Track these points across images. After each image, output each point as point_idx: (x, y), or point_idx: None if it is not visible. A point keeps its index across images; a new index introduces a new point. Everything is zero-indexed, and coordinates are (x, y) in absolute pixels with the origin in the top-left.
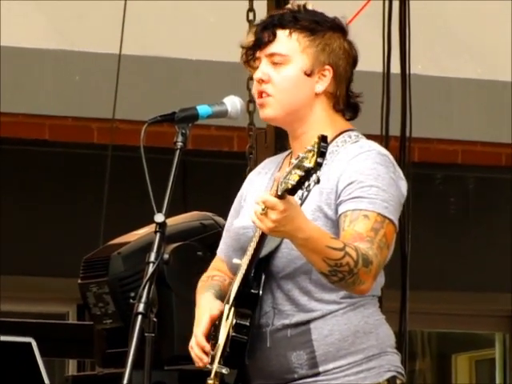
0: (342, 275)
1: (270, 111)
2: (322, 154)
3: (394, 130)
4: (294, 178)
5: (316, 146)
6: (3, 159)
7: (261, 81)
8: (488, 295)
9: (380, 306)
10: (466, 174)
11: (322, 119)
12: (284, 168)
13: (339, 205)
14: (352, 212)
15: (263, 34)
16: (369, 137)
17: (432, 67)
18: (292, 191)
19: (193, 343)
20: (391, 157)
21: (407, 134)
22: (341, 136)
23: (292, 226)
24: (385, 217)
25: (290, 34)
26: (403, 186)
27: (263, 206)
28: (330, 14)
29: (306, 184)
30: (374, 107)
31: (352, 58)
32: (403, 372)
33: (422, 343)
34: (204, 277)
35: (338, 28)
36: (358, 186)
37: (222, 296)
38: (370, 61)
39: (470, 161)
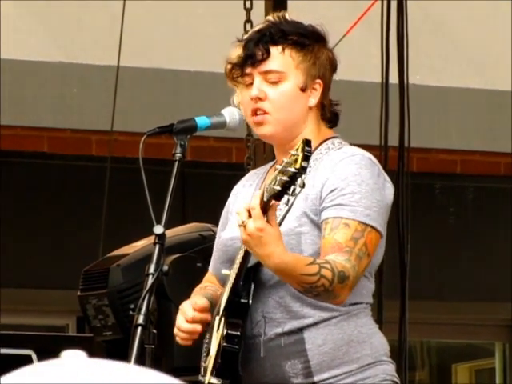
0: (316, 293)
1: (269, 128)
2: (306, 157)
3: (393, 140)
4: (279, 183)
5: (300, 150)
6: (2, 172)
7: (257, 99)
8: (487, 305)
9: (380, 315)
10: (464, 183)
11: (311, 131)
12: (268, 179)
13: (322, 211)
14: (333, 219)
15: (256, 51)
16: (367, 147)
17: (430, 77)
18: (278, 196)
19: (179, 323)
20: (375, 160)
21: (406, 144)
22: (324, 143)
23: (263, 251)
24: (366, 225)
25: (283, 50)
26: (389, 188)
27: (243, 218)
28: (327, 25)
29: (292, 188)
30: (372, 117)
31: (334, 67)
32: (398, 381)
33: (421, 353)
34: (196, 288)
35: (320, 39)
36: (340, 193)
37: (211, 303)
38: (368, 71)
39: (469, 170)
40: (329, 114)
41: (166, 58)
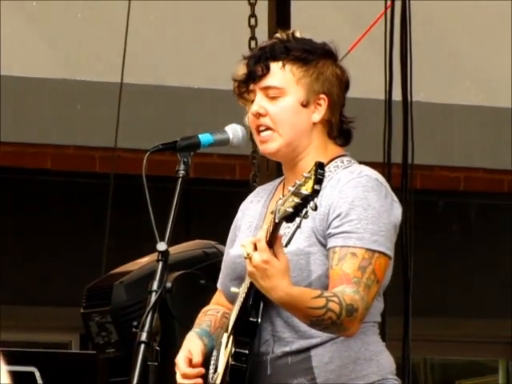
0: (324, 326)
1: (274, 145)
2: (319, 180)
3: (396, 157)
4: (291, 205)
5: (313, 172)
6: (5, 188)
7: (258, 114)
8: (491, 321)
9: (383, 333)
10: (468, 200)
11: (316, 147)
12: (277, 196)
13: (328, 236)
14: (340, 249)
15: (256, 68)
16: (371, 164)
17: (434, 94)
18: (289, 218)
19: (177, 378)
20: (383, 179)
21: (409, 161)
22: (333, 162)
23: (267, 284)
24: (374, 251)
25: (284, 65)
26: (397, 208)
27: (249, 250)
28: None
29: (304, 211)
30: (376, 134)
31: (344, 84)
32: None
33: (424, 370)
34: (201, 312)
35: (329, 55)
36: (346, 220)
37: (207, 332)
38: (372, 88)
39: (472, 187)
40: (336, 132)
41: (170, 75)
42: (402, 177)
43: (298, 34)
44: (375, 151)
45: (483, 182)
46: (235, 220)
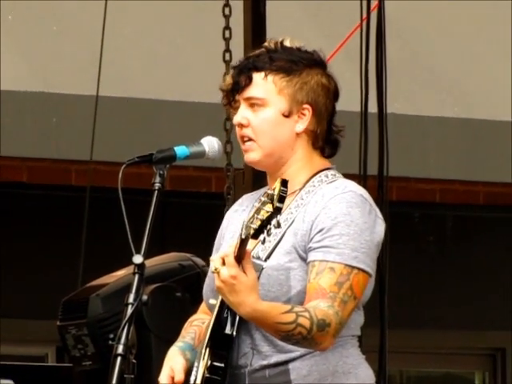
0: (294, 340)
1: (254, 155)
2: (281, 198)
3: (372, 170)
4: (255, 223)
5: (276, 190)
6: None
7: (240, 125)
8: (467, 334)
9: (360, 345)
10: (444, 212)
11: (301, 158)
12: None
13: (309, 250)
14: (319, 263)
15: (240, 78)
16: (347, 176)
17: (409, 106)
18: (254, 235)
19: None
20: (367, 195)
21: (385, 173)
22: (317, 175)
23: (234, 299)
24: (353, 267)
25: (266, 76)
26: (380, 225)
27: (217, 265)
28: None
29: (268, 227)
30: (352, 146)
31: (332, 93)
32: None
33: (401, 383)
34: (187, 322)
35: (315, 64)
36: (328, 235)
37: (191, 345)
38: (347, 100)
39: (448, 199)
40: (322, 143)
41: (145, 88)
42: (377, 189)
43: (287, 43)
44: (351, 163)
45: (459, 194)
46: (220, 229)
